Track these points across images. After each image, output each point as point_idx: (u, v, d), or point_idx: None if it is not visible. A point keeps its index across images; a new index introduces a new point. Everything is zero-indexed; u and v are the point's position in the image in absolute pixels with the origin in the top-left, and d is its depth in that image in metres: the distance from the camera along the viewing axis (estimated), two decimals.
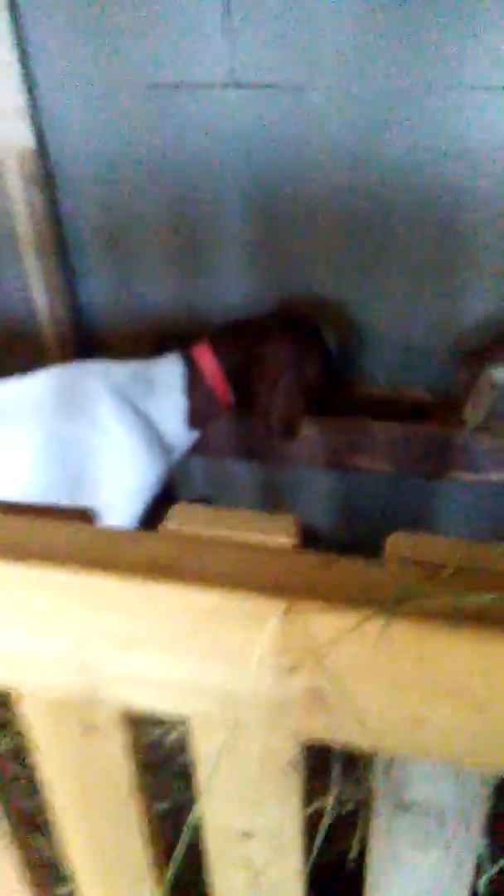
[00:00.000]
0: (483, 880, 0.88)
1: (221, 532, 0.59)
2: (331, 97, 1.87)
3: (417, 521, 2.46)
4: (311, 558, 0.57)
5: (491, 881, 0.93)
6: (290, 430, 1.96)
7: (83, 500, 1.92)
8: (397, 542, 0.57)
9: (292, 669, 0.56)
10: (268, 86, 1.90)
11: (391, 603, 0.52)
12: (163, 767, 1.82)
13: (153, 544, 0.59)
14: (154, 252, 2.19)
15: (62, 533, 0.59)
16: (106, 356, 1.98)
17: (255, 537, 0.58)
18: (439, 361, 2.13)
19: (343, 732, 0.58)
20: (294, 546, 0.58)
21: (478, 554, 0.56)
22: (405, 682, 0.55)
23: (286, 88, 1.89)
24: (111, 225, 2.18)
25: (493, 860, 0.87)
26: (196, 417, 1.96)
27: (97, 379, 1.85)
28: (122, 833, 0.79)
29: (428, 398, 2.16)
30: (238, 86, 1.92)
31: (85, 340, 2.35)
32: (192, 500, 2.55)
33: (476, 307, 2.06)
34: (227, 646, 0.56)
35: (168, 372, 1.92)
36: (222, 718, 0.61)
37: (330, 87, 1.86)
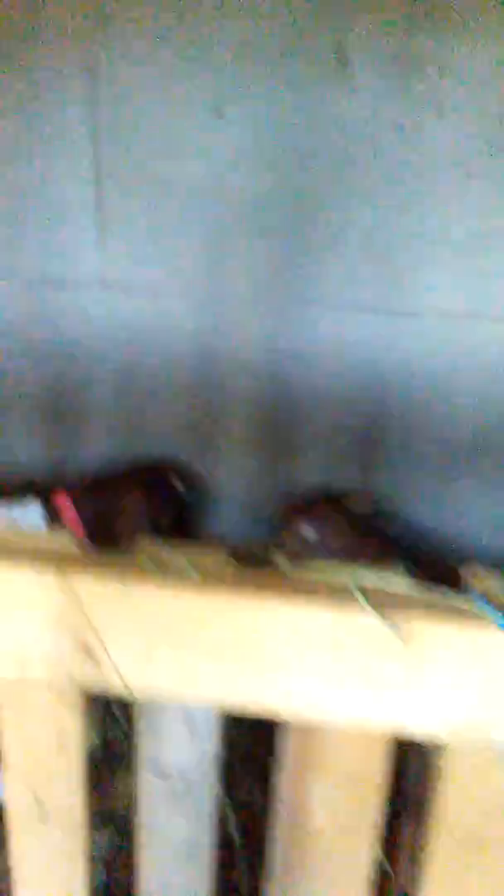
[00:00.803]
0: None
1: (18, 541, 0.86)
2: (183, 300, 2.30)
3: None
4: (79, 549, 0.84)
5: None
6: None
7: None
8: (143, 546, 0.85)
9: (65, 627, 0.81)
10: (129, 287, 2.33)
11: (131, 573, 0.80)
12: None
13: None
14: (26, 416, 2.51)
15: None
16: None
17: (43, 543, 0.85)
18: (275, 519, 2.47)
19: (107, 679, 0.83)
20: (71, 546, 0.86)
21: (193, 551, 0.85)
22: (139, 632, 0.81)
23: (145, 291, 2.32)
24: None
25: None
26: None
27: None
28: None
29: (266, 552, 2.46)
30: (105, 286, 2.33)
31: None
32: None
33: (304, 472, 2.43)
34: (19, 612, 0.82)
35: (30, 513, 2.18)
36: (20, 675, 0.85)
37: (183, 292, 2.30)
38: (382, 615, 0.77)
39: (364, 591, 0.79)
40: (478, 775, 0.85)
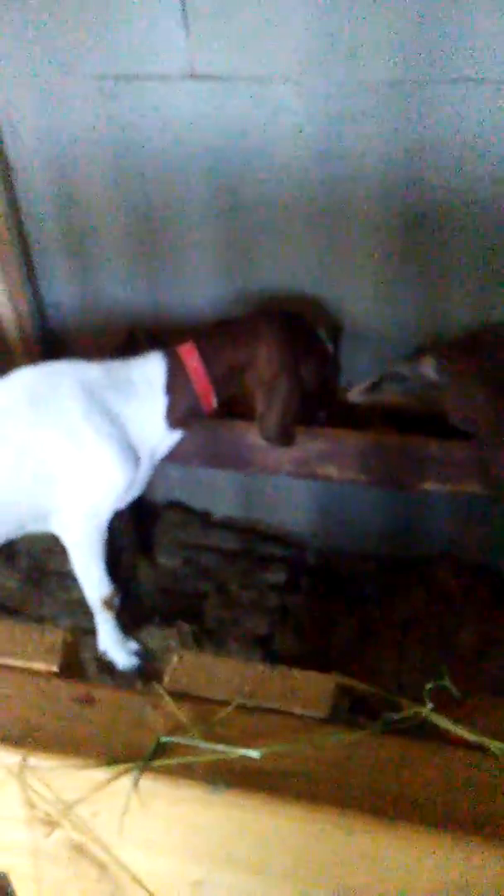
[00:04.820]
0: None
1: None
2: (293, 89, 1.76)
3: (397, 529, 2.36)
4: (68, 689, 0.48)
5: None
6: (287, 436, 1.88)
7: (56, 505, 1.86)
8: (178, 669, 0.47)
9: (49, 823, 0.47)
10: (227, 77, 1.79)
11: (145, 757, 0.43)
12: None
13: None
14: (118, 250, 2.11)
15: None
16: (73, 357, 1.89)
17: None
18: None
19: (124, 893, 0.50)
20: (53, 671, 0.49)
21: (264, 686, 0.46)
22: (175, 846, 0.46)
23: (246, 81, 1.79)
24: (73, 224, 2.11)
25: None
26: (176, 418, 1.88)
27: (70, 379, 1.81)
28: None
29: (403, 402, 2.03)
30: (196, 78, 1.81)
31: (51, 342, 2.27)
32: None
33: (451, 300, 1.94)
34: None
35: (151, 369, 1.85)
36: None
37: (295, 79, 1.74)
38: None
39: None
40: None
